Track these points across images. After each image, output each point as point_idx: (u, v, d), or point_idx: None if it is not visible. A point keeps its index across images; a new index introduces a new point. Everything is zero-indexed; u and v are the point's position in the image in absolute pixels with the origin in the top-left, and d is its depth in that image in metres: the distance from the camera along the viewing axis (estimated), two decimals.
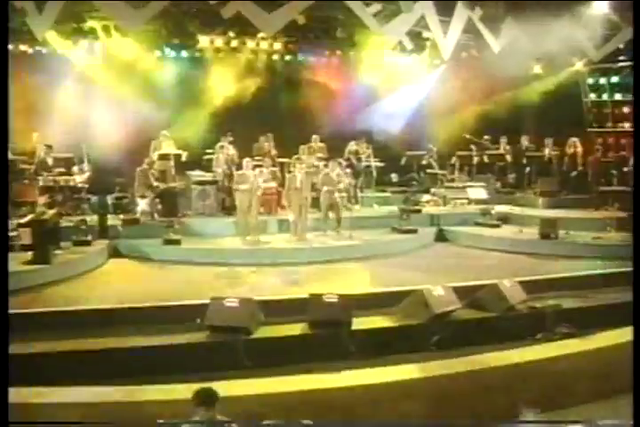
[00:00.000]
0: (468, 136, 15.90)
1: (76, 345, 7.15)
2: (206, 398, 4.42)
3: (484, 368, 6.72)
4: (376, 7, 13.42)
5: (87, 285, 9.21)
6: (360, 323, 7.80)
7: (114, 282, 9.48)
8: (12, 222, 10.55)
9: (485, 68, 15.27)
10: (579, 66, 16.84)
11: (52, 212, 9.63)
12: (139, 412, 5.84)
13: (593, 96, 17.41)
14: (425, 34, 14.84)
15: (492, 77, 15.51)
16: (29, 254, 9.44)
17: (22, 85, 12.95)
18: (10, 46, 13.24)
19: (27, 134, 13.15)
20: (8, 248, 8.58)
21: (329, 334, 7.57)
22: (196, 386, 4.75)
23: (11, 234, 9.92)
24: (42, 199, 9.94)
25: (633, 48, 13.03)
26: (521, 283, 8.99)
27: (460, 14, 14.30)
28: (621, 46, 15.44)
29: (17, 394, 5.79)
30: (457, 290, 8.57)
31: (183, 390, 5.61)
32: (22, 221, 9.69)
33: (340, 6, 13.06)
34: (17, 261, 9.20)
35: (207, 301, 7.69)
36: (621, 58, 16.16)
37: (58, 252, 9.91)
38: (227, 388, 5.24)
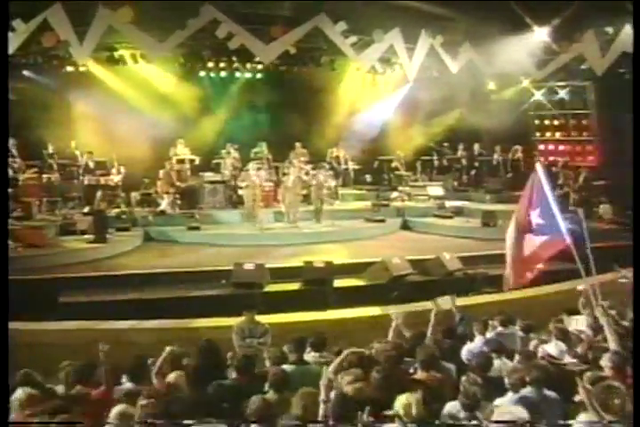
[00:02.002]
0: (432, 144, 18.75)
1: (134, 296, 9.92)
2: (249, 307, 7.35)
3: (426, 309, 9.61)
4: (353, 39, 15.65)
5: (136, 258, 12.08)
6: (340, 282, 10.71)
7: (153, 256, 12.28)
8: (70, 212, 13.43)
9: (445, 85, 17.36)
10: (525, 83, 18.79)
11: (104, 204, 12.44)
12: (196, 334, 8.51)
13: (536, 110, 19.66)
14: (393, 59, 17.02)
15: (451, 93, 17.51)
16: (88, 237, 12.30)
17: (63, 100, 15.52)
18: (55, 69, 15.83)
19: (66, 141, 15.48)
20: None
21: (317, 289, 10.44)
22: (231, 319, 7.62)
23: (69, 221, 12.81)
24: (97, 195, 12.69)
25: (633, 51, 13.98)
26: (461, 257, 11.88)
27: (424, 42, 16.43)
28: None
29: (108, 324, 8.68)
30: (412, 261, 11.49)
31: (224, 321, 8.52)
32: (85, 211, 12.52)
33: (324, 38, 15.33)
34: (81, 242, 12.12)
35: (227, 267, 10.62)
36: (559, 78, 18.54)
37: (107, 235, 12.73)
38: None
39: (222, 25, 14.37)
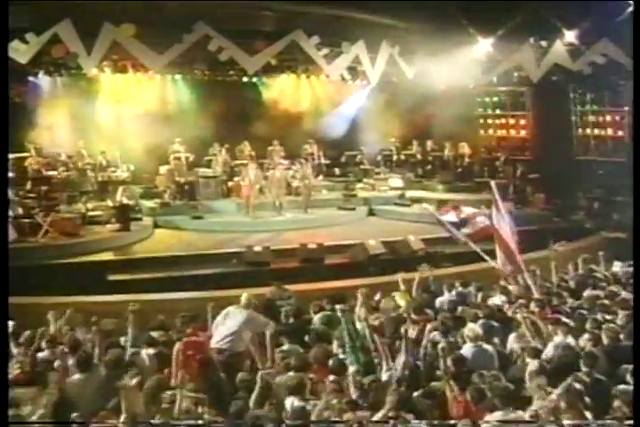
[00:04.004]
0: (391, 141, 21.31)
1: (167, 274, 12.22)
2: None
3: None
4: (325, 51, 17.64)
5: (155, 243, 14.32)
6: (329, 259, 13.24)
7: (168, 242, 14.50)
8: (88, 205, 15.44)
9: (402, 89, 19.65)
10: (472, 87, 20.69)
11: (125, 198, 14.60)
12: (226, 303, 10.92)
13: (481, 110, 22.04)
14: (359, 67, 18.94)
15: (408, 96, 19.39)
16: (111, 226, 14.40)
17: (71, 104, 17.33)
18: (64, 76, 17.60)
19: (72, 141, 17.42)
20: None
21: (311, 266, 12.91)
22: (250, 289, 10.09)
23: (93, 213, 14.87)
24: (119, 189, 14.82)
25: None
26: (422, 239, 14.45)
27: (384, 51, 18.41)
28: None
29: (142, 296, 10.89)
30: (384, 242, 14.01)
31: (240, 292, 10.87)
32: (110, 204, 14.64)
33: (300, 51, 17.36)
34: (108, 230, 14.29)
35: (235, 249, 13.04)
36: (501, 83, 20.89)
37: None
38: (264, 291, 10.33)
39: (213, 40, 16.20)
